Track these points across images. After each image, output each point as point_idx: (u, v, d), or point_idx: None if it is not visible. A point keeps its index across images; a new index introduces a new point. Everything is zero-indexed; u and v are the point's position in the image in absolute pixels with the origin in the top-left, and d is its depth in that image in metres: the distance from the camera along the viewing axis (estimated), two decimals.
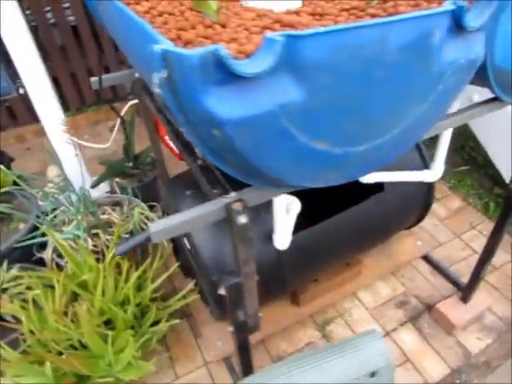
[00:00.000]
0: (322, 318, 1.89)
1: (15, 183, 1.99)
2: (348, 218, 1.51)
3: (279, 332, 1.82)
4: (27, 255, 1.80)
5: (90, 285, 1.57)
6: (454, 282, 1.90)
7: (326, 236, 1.49)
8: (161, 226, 0.77)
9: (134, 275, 1.57)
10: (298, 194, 1.67)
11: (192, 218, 0.79)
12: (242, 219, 0.78)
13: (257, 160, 0.63)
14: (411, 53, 0.63)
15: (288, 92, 0.58)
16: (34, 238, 1.83)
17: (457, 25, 0.68)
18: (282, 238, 1.29)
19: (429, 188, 1.65)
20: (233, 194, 0.80)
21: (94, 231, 1.83)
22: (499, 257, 2.15)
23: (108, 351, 1.43)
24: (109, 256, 1.58)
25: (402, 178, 1.50)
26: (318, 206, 1.82)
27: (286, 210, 1.22)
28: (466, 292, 1.80)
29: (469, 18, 0.67)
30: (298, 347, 1.80)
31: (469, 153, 2.79)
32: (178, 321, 1.65)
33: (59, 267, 1.75)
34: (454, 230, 2.32)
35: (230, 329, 1.12)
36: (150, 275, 1.62)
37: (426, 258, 2.01)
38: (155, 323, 1.61)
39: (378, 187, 1.55)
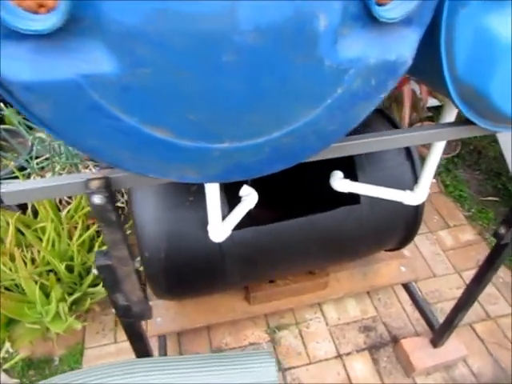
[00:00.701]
0: (276, 322, 1.78)
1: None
2: (310, 225, 1.36)
3: (227, 324, 1.74)
4: None
5: (45, 233, 1.57)
6: (429, 321, 1.70)
7: (281, 238, 1.36)
8: (13, 188, 0.70)
9: (85, 234, 1.54)
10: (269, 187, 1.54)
11: (48, 186, 0.70)
12: (97, 199, 0.69)
13: (68, 136, 0.53)
14: (280, 38, 0.49)
15: (97, 61, 0.46)
16: (17, 177, 1.86)
17: (368, 14, 0.52)
18: (217, 230, 1.18)
19: (416, 210, 1.44)
20: (95, 171, 0.71)
21: None
22: (498, 306, 1.91)
23: (39, 299, 1.43)
24: (65, 210, 1.56)
25: (378, 193, 1.32)
26: (292, 206, 1.69)
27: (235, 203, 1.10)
28: (437, 335, 1.60)
29: (384, 7, 0.51)
30: (241, 344, 1.71)
31: (504, 183, 2.46)
32: None
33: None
34: (455, 264, 2.07)
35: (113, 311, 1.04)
36: (98, 239, 1.59)
37: (406, 287, 1.81)
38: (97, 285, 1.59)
39: (355, 198, 1.38)
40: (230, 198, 1.28)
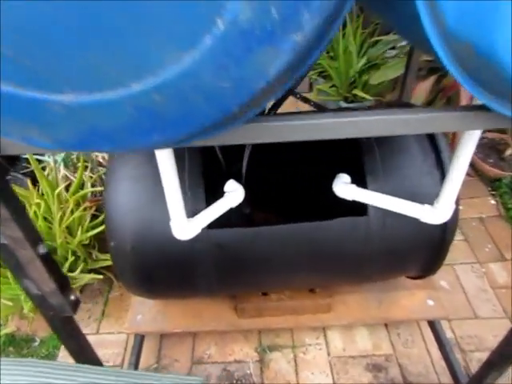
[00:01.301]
0: (269, 341, 1.56)
1: None
2: (302, 233, 1.13)
3: (215, 333, 1.56)
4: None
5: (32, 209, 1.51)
6: (455, 373, 1.37)
7: (267, 244, 1.14)
8: None
9: (73, 216, 1.46)
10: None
11: None
12: None
13: None
14: None
15: None
16: None
17: None
18: (181, 226, 1.01)
19: (442, 231, 1.15)
20: None
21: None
22: None
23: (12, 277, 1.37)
24: (56, 190, 1.48)
25: (388, 204, 1.05)
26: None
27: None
28: None
29: None
30: (225, 359, 1.52)
31: None
32: (100, 276, 1.51)
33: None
34: (506, 306, 1.68)
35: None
36: (85, 223, 1.49)
37: (432, 325, 1.49)
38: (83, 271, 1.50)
39: (362, 209, 1.13)
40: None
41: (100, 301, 1.71)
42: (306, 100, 2.52)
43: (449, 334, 1.54)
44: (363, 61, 2.30)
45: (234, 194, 1.13)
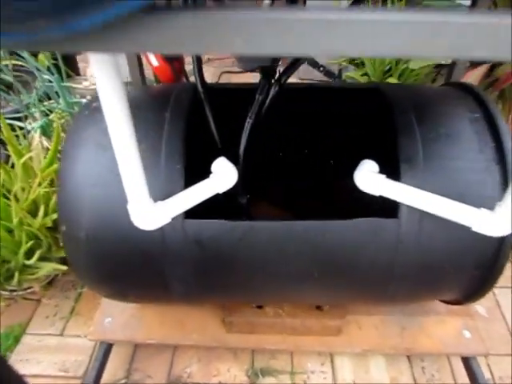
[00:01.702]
0: (263, 362, 1.29)
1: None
2: (313, 235, 0.86)
3: (200, 348, 1.30)
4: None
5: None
6: None
7: (262, 245, 0.87)
8: None
9: (32, 196, 1.22)
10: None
11: None
12: None
13: None
14: None
15: None
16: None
17: None
18: (142, 212, 0.75)
19: (497, 246, 0.85)
20: None
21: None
22: None
23: None
24: (22, 159, 1.25)
25: (430, 205, 0.77)
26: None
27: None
28: None
29: None
30: (208, 381, 1.25)
31: None
32: (64, 267, 1.26)
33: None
34: None
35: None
36: (50, 202, 1.25)
37: (467, 362, 1.18)
38: (42, 258, 1.26)
39: (391, 210, 0.84)
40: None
41: (71, 296, 1.47)
42: (313, 64, 2.13)
43: (485, 374, 1.24)
44: None
45: (222, 175, 0.87)
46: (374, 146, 0.90)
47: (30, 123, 1.51)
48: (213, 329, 1.21)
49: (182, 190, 0.83)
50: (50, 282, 1.48)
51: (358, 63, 2.32)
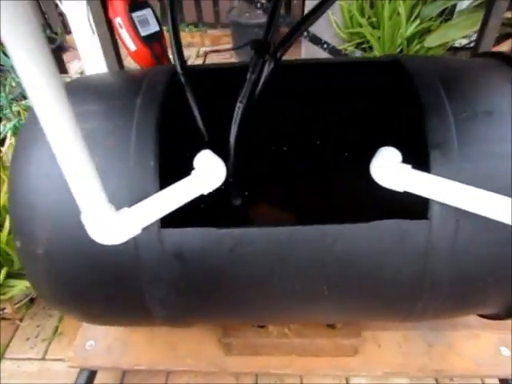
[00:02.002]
0: None
1: None
2: (321, 242, 0.69)
3: (199, 372, 1.14)
4: None
5: None
6: None
7: (258, 257, 0.71)
8: None
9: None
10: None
11: None
12: None
13: None
14: None
15: None
16: None
17: None
18: (98, 221, 0.59)
19: None
20: None
21: None
22: None
23: None
24: None
25: (468, 202, 0.60)
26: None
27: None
28: None
29: None
30: None
31: None
32: None
33: None
34: None
35: None
36: None
37: None
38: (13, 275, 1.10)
39: (420, 209, 0.67)
40: None
41: (54, 314, 1.32)
42: (316, 41, 1.83)
43: None
44: (415, 25, 1.81)
45: (207, 172, 0.70)
46: (392, 130, 0.73)
47: (4, 124, 1.36)
48: (209, 351, 1.04)
49: (155, 191, 0.67)
50: (32, 300, 1.34)
51: (365, 48, 2.15)
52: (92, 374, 1.08)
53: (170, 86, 0.80)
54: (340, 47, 2.16)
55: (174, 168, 0.74)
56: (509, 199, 0.59)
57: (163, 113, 0.75)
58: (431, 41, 1.53)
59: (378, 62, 0.86)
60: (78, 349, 1.08)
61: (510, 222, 0.59)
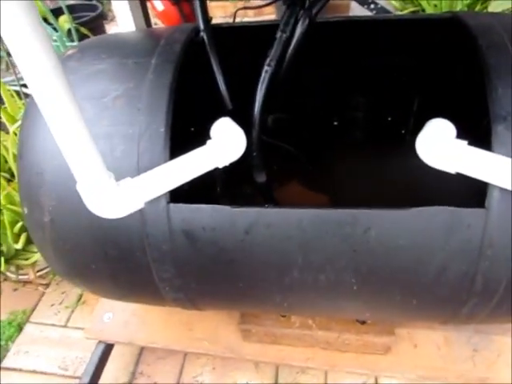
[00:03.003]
0: (290, 376, 1.06)
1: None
2: (353, 229, 0.59)
3: (212, 357, 1.09)
4: None
5: None
6: None
7: (278, 241, 0.62)
8: None
9: None
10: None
11: None
12: None
13: None
14: None
15: None
16: None
17: None
18: (97, 192, 0.52)
19: None
20: None
21: None
22: None
23: None
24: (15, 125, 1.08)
25: None
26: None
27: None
28: None
29: None
30: None
31: None
32: None
33: None
34: None
35: None
36: None
37: None
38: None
39: (477, 196, 0.55)
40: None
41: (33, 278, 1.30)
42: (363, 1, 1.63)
43: None
44: None
45: (224, 142, 0.62)
46: (448, 99, 0.61)
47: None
48: (227, 335, 0.99)
49: (163, 161, 0.60)
50: None
51: (417, 10, 1.94)
52: (109, 347, 1.06)
53: (190, 45, 0.71)
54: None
55: (189, 138, 0.66)
56: None
57: (181, 75, 0.66)
58: (496, 5, 1.33)
59: (433, 20, 0.72)
60: (95, 320, 1.05)
61: None
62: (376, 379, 1.03)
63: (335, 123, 1.06)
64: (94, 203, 0.53)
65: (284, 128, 1.07)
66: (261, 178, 0.82)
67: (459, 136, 0.53)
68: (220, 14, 2.84)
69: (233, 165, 0.65)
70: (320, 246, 0.60)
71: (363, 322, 0.89)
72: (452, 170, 0.53)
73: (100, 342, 1.05)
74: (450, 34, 0.70)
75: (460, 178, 0.53)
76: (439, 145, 0.52)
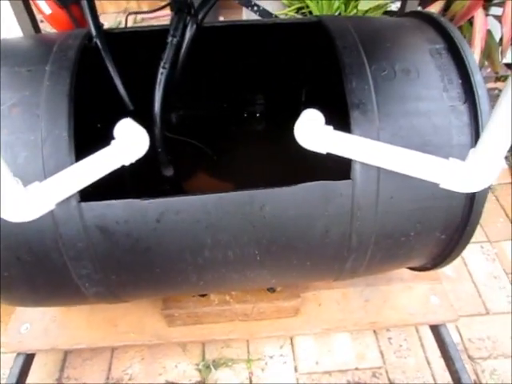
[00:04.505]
0: (215, 353, 1.14)
1: None
2: (250, 208, 0.68)
3: (144, 347, 1.13)
4: None
5: None
6: None
7: (185, 226, 0.69)
8: None
9: None
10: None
11: None
12: None
13: None
14: None
15: None
16: None
17: None
18: (5, 198, 0.54)
19: (469, 203, 0.72)
20: None
21: None
22: None
23: None
24: None
25: (387, 160, 0.61)
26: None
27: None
28: None
29: None
30: (152, 380, 1.09)
31: None
32: None
33: None
34: None
35: None
36: None
37: (436, 330, 1.09)
38: None
39: (345, 170, 0.68)
40: None
41: None
42: (246, 3, 1.78)
43: (454, 337, 1.15)
44: None
45: (127, 141, 0.67)
46: (315, 93, 0.73)
47: None
48: (152, 324, 1.04)
49: (70, 163, 0.63)
50: None
51: (305, 12, 2.12)
52: (29, 358, 1.04)
53: (84, 51, 0.74)
54: (281, 12, 2.11)
55: (93, 141, 0.69)
56: (426, 156, 0.61)
57: (79, 80, 0.69)
58: (364, 4, 1.54)
59: (303, 23, 0.85)
60: (12, 333, 1.03)
61: (426, 178, 0.62)
62: (291, 340, 1.17)
63: (245, 115, 1.16)
64: (3, 208, 0.55)
65: (190, 124, 1.14)
66: (168, 172, 0.88)
67: (328, 123, 0.65)
68: (113, 10, 2.76)
69: (141, 161, 0.71)
70: (225, 226, 0.69)
71: (273, 291, 1.01)
72: (323, 151, 0.65)
73: (19, 354, 1.03)
74: (319, 35, 0.83)
75: (332, 156, 0.66)
76: (311, 130, 0.63)
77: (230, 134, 1.15)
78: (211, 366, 1.11)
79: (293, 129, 0.71)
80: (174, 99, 0.86)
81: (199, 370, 1.11)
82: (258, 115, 1.16)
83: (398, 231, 0.72)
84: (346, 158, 0.66)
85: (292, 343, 1.16)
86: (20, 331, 1.03)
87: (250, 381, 1.09)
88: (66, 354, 1.15)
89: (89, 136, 0.69)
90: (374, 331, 1.19)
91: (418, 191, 0.69)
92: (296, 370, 1.11)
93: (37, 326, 1.04)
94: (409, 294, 1.09)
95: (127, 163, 0.67)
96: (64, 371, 1.11)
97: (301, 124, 0.65)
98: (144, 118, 0.74)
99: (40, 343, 1.02)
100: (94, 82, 0.79)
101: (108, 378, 1.10)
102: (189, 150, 1.10)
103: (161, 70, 0.77)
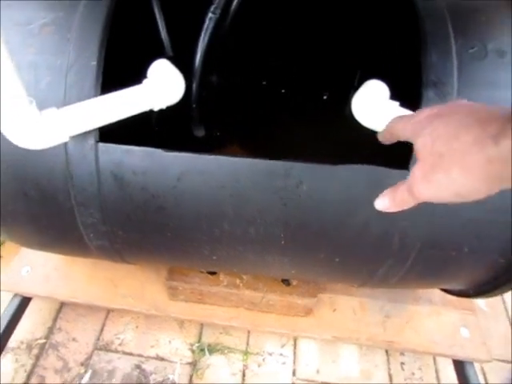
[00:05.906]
0: (212, 337, 1.07)
1: None
2: (279, 182, 0.59)
3: (141, 315, 1.07)
4: None
5: None
6: None
7: (207, 190, 0.61)
8: None
9: None
10: None
11: None
12: None
13: None
14: None
15: None
16: None
17: None
18: (16, 118, 0.47)
19: None
20: None
21: None
22: None
23: None
24: None
25: None
26: None
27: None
28: None
29: None
30: (142, 352, 1.03)
31: None
32: None
33: None
34: None
35: None
36: None
37: (460, 367, 0.97)
38: None
39: (403, 157, 0.58)
40: None
41: None
42: None
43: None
44: None
45: (161, 82, 0.59)
46: (386, 62, 0.63)
47: None
48: (153, 293, 0.97)
49: (91, 96, 0.56)
50: None
51: None
52: (25, 301, 1.00)
53: None
54: None
55: (125, 79, 0.62)
56: None
57: (118, 12, 0.62)
58: None
59: None
60: (12, 273, 0.99)
61: None
62: (295, 340, 1.08)
63: (283, 91, 1.06)
64: (12, 130, 0.48)
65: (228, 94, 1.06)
66: (199, 132, 0.80)
67: (393, 98, 0.55)
68: None
69: (171, 113, 0.63)
70: (252, 198, 0.61)
71: (288, 284, 0.92)
72: (376, 127, 0.55)
73: (16, 295, 0.98)
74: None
75: None
76: (372, 104, 0.53)
77: (271, 109, 1.06)
78: (206, 350, 1.03)
79: (343, 111, 0.61)
80: (218, 57, 0.77)
81: (192, 351, 1.04)
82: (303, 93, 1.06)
83: (450, 242, 0.62)
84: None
85: (295, 344, 1.07)
86: (20, 273, 0.99)
87: (243, 373, 1.01)
88: (62, 305, 1.10)
89: (118, 77, 0.61)
90: (387, 351, 1.09)
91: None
92: (294, 373, 1.03)
93: (38, 270, 1.00)
94: (436, 320, 0.98)
95: (156, 108, 0.60)
96: (57, 321, 1.07)
97: (361, 95, 0.56)
98: (182, 70, 0.66)
99: (38, 289, 0.98)
100: (132, 20, 0.72)
101: (98, 339, 1.04)
102: (224, 120, 1.02)
103: (210, 15, 0.69)
